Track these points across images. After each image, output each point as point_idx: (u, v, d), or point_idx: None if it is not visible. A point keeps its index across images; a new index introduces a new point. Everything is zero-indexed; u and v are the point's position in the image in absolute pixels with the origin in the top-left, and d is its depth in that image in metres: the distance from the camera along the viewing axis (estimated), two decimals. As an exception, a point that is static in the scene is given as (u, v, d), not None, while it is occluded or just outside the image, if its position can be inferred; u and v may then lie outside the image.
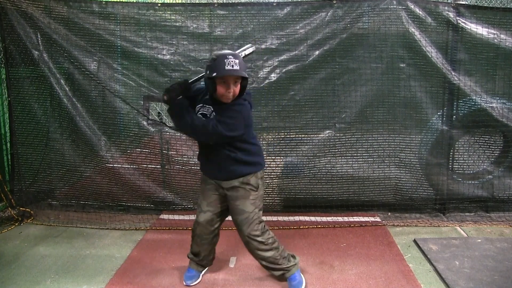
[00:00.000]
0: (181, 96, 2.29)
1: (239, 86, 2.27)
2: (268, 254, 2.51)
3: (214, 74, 2.18)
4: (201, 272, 2.72)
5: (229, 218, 2.57)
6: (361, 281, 2.67)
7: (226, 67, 2.16)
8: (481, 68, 3.50)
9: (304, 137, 3.65)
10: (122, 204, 3.81)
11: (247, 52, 2.43)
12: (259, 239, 2.47)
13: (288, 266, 2.56)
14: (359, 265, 2.87)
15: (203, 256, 2.67)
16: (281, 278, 2.60)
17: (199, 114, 2.38)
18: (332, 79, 3.53)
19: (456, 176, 3.72)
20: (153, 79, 3.62)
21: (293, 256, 2.64)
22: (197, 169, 3.71)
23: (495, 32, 3.39)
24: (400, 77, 3.49)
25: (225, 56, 2.18)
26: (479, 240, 3.19)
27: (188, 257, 2.71)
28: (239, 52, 2.37)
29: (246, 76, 2.27)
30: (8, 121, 3.80)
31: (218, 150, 2.36)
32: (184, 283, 2.64)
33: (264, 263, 2.56)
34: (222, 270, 2.82)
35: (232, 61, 2.17)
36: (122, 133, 3.81)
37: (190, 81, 2.34)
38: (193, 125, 2.26)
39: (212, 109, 2.34)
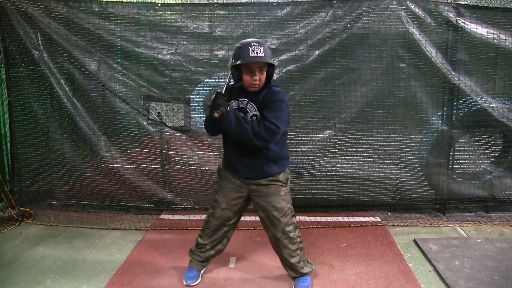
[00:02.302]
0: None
1: (265, 74, 2.24)
2: (295, 253, 2.50)
3: (239, 61, 2.17)
4: (201, 271, 2.71)
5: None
6: (361, 281, 2.67)
7: (251, 54, 2.14)
8: (481, 68, 3.50)
9: (304, 137, 3.65)
10: (122, 204, 3.81)
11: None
12: (291, 234, 2.46)
13: (308, 271, 2.58)
14: (359, 265, 2.87)
15: (208, 249, 2.61)
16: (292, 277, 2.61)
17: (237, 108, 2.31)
18: (332, 79, 3.53)
19: (456, 176, 3.72)
20: (153, 79, 3.61)
21: (310, 262, 2.65)
22: (197, 169, 3.72)
23: (495, 32, 3.39)
24: (400, 77, 3.49)
25: (249, 44, 2.17)
26: (479, 240, 3.19)
27: (191, 251, 2.67)
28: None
29: (272, 62, 2.22)
30: (8, 121, 3.79)
31: (254, 151, 2.31)
32: (185, 283, 2.63)
33: (289, 261, 2.52)
34: (222, 270, 2.82)
35: (256, 48, 2.15)
36: (122, 133, 3.81)
37: (223, 91, 2.22)
38: (254, 132, 2.18)
39: (247, 100, 2.30)
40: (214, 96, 2.23)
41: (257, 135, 2.19)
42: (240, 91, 2.34)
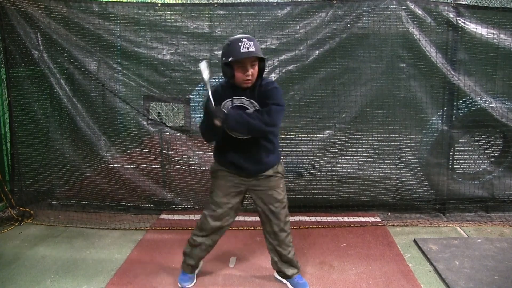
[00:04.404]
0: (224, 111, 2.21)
1: (257, 68, 2.24)
2: (292, 246, 2.57)
3: (230, 58, 2.16)
4: (195, 273, 2.69)
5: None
6: (361, 281, 2.67)
7: (241, 50, 2.14)
8: (481, 68, 3.50)
9: (304, 137, 3.65)
10: (122, 204, 3.80)
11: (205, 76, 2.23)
12: (288, 225, 2.52)
13: (298, 266, 2.63)
14: (359, 265, 2.87)
15: (203, 249, 2.59)
16: (286, 277, 2.61)
17: (235, 106, 2.30)
18: (332, 79, 3.53)
19: (456, 176, 3.72)
20: (153, 79, 3.61)
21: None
22: (197, 169, 3.72)
23: (495, 32, 3.39)
24: (400, 77, 3.49)
25: (239, 40, 2.16)
26: (479, 240, 3.19)
27: (186, 253, 2.63)
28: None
29: (263, 56, 2.22)
30: (8, 121, 3.79)
31: (257, 143, 2.34)
32: (180, 285, 2.60)
33: (287, 256, 2.55)
34: (222, 270, 2.82)
35: (246, 44, 2.15)
36: (122, 133, 3.80)
37: (211, 98, 2.21)
38: (263, 121, 2.18)
39: (244, 97, 2.29)
40: (205, 104, 2.25)
41: (267, 123, 2.20)
42: (233, 90, 2.31)
